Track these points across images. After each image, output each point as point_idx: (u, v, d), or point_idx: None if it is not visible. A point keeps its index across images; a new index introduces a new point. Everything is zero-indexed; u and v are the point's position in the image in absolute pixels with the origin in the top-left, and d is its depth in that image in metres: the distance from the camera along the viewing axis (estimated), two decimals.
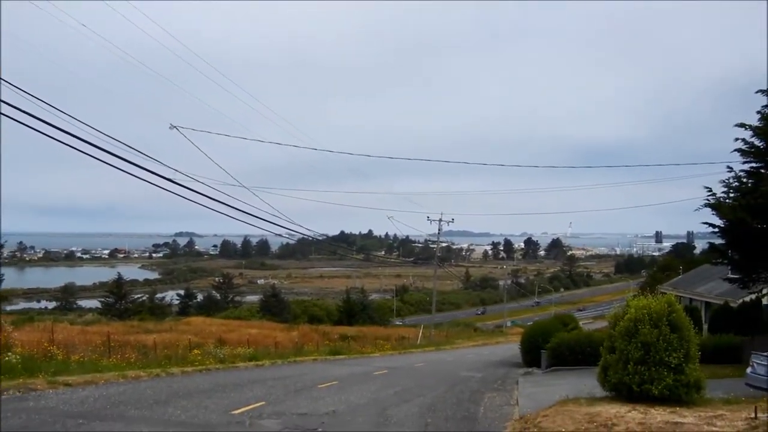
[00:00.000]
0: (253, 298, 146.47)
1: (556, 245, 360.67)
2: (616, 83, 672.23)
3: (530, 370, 34.37)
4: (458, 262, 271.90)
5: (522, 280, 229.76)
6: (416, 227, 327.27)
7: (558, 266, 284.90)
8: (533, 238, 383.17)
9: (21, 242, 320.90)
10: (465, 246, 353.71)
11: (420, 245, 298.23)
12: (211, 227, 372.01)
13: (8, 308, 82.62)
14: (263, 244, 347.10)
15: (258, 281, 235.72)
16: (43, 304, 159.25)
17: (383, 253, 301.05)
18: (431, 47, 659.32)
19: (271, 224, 32.59)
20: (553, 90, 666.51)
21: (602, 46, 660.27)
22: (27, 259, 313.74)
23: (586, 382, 19.34)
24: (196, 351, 38.10)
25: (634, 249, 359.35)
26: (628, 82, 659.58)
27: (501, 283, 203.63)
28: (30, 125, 17.51)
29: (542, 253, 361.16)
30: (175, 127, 29.57)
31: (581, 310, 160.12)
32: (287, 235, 42.90)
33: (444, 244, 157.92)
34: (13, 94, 17.18)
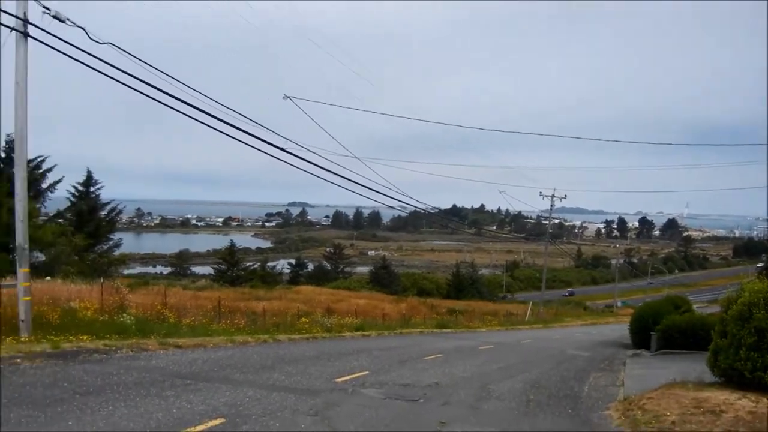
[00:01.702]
0: (363, 270, 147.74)
1: (671, 225, 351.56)
2: (740, 61, 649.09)
3: (639, 351, 33.72)
4: (570, 240, 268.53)
5: (635, 260, 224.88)
6: (529, 203, 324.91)
7: (673, 247, 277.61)
8: (648, 218, 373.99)
9: (139, 208, 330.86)
10: (578, 223, 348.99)
11: (532, 221, 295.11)
12: (324, 197, 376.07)
13: (125, 272, 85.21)
14: (375, 216, 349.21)
15: (369, 252, 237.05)
16: (159, 269, 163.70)
17: (495, 227, 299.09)
18: (546, 20, 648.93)
19: (384, 196, 32.70)
20: (674, 66, 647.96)
21: (726, 23, 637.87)
22: (144, 225, 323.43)
23: (695, 366, 18.84)
24: (304, 319, 38.80)
25: (755, 232, 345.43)
26: (753, 59, 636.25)
27: (613, 262, 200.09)
28: (151, 95, 18.18)
29: (657, 233, 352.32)
30: (288, 97, 29.99)
31: (695, 294, 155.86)
32: (399, 208, 42.94)
33: (556, 221, 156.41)
34: (133, 64, 17.85)
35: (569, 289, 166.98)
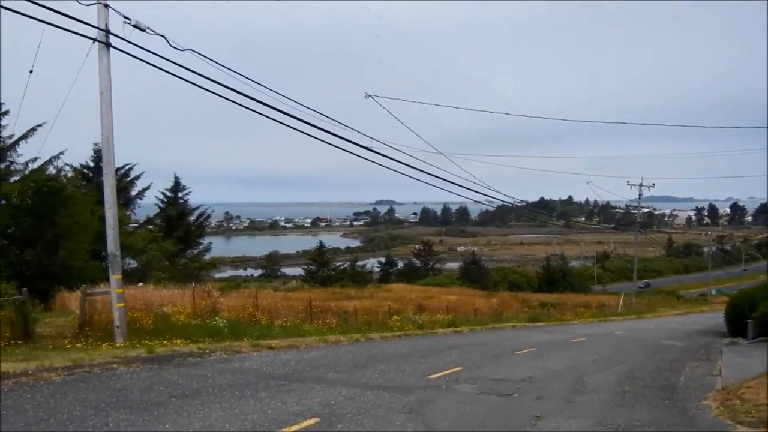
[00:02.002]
0: (453, 265, 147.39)
1: (764, 210, 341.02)
2: None
3: (735, 340, 32.78)
4: (660, 228, 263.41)
5: (728, 247, 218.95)
6: (616, 192, 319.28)
7: (767, 233, 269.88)
8: (740, 203, 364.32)
9: (227, 212, 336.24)
10: (667, 212, 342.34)
11: (621, 211, 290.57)
12: (411, 195, 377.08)
13: (216, 275, 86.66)
14: (463, 211, 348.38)
15: (458, 248, 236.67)
16: (249, 271, 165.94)
17: (583, 219, 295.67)
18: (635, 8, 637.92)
19: (470, 191, 32.49)
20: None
21: None
22: (233, 228, 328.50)
23: None
24: (395, 317, 38.84)
25: None
26: None
27: (705, 249, 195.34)
28: (233, 100, 18.33)
29: (749, 218, 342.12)
30: (370, 96, 29.92)
31: None
32: (486, 202, 42.77)
33: (645, 210, 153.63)
34: (216, 70, 18.01)
35: (644, 281, 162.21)
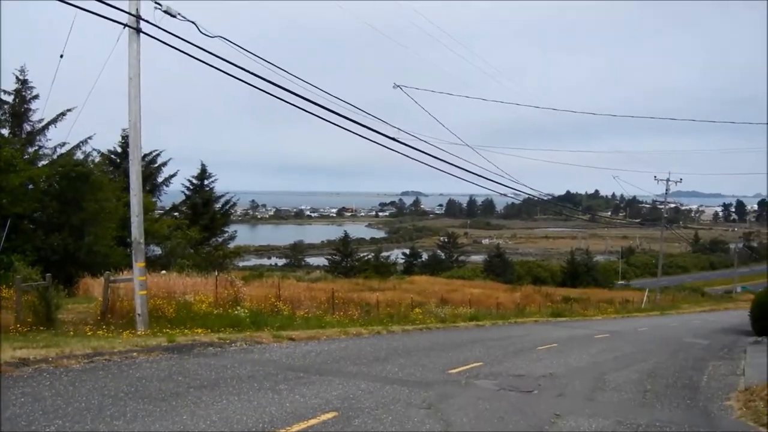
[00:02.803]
0: (478, 258, 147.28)
1: None
2: None
3: (760, 339, 32.44)
4: (687, 224, 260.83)
5: (755, 244, 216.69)
6: (643, 187, 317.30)
7: None
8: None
9: (253, 200, 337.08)
10: (694, 207, 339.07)
11: (647, 206, 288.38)
12: (437, 186, 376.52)
13: (240, 264, 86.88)
14: (488, 204, 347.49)
15: (482, 241, 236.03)
16: (273, 260, 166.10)
17: (609, 213, 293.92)
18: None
19: (497, 184, 32.39)
20: None
21: None
22: (258, 217, 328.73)
23: None
24: (417, 310, 38.77)
25: None
26: None
27: (732, 246, 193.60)
28: (262, 88, 18.32)
29: None
30: (398, 86, 29.84)
31: None
32: (512, 195, 42.60)
33: (672, 205, 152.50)
34: (245, 58, 18.00)
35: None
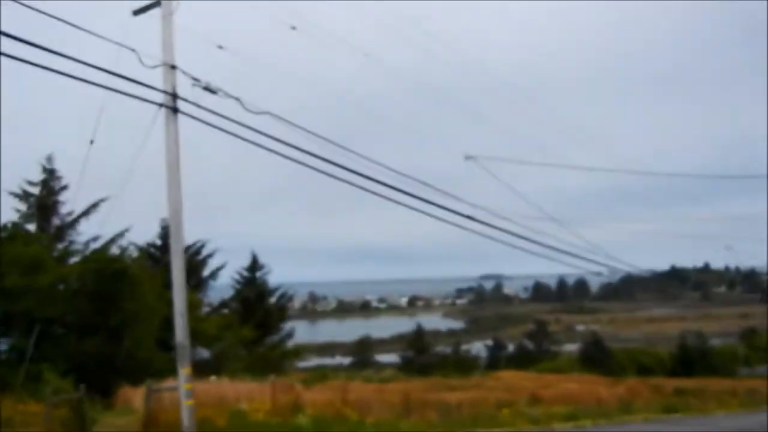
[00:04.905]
0: (572, 347, 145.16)
1: None
2: None
3: None
4: None
5: None
6: (761, 257, 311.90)
7: None
8: None
9: (312, 292, 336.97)
10: None
11: None
12: (521, 267, 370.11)
13: (301, 365, 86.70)
14: (581, 284, 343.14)
15: (576, 327, 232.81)
16: (337, 359, 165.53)
17: (723, 289, 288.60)
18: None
19: (589, 261, 32.07)
20: None
21: None
22: (319, 310, 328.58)
23: None
24: (505, 410, 38.23)
25: None
26: None
27: None
28: (320, 168, 18.40)
29: None
30: (471, 157, 29.77)
31: None
32: (607, 273, 42.21)
33: None
34: (297, 134, 18.12)
35: None
